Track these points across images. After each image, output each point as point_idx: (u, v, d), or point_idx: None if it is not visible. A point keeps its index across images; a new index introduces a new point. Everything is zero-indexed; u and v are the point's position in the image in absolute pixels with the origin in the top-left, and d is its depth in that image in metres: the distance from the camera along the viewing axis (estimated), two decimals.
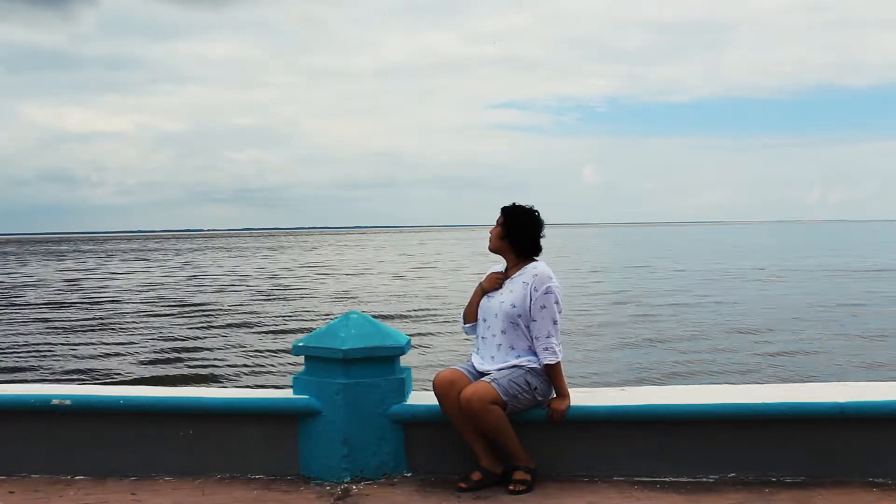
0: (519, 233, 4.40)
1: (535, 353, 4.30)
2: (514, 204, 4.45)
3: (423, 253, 67.89)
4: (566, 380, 4.34)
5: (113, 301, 27.86)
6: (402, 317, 21.36)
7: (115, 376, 13.85)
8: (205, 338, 18.26)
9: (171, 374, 14.00)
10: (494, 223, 4.48)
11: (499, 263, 4.55)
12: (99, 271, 48.44)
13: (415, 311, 22.89)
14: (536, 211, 4.45)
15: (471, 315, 4.54)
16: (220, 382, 13.14)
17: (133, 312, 23.93)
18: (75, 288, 34.77)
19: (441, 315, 21.53)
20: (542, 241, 4.46)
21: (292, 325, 20.29)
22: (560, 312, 4.33)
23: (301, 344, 4.47)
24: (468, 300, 4.55)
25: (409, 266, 47.43)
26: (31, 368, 14.76)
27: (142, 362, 15.16)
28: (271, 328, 19.72)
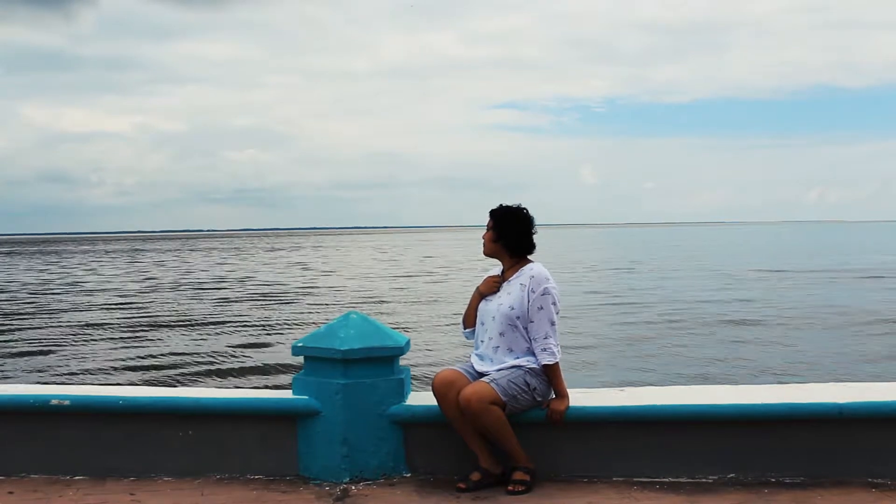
0: (510, 233, 4.40)
1: (533, 355, 4.30)
2: (501, 205, 4.45)
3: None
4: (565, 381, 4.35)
5: (107, 301, 27.86)
6: (401, 317, 21.38)
7: (114, 377, 13.84)
8: (204, 338, 18.26)
9: (170, 374, 13.98)
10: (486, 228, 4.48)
11: (496, 267, 4.56)
12: (96, 272, 48.43)
13: (413, 311, 22.91)
14: (524, 209, 4.45)
15: (470, 320, 4.54)
16: (220, 383, 13.13)
17: (132, 313, 23.93)
18: (74, 289, 34.75)
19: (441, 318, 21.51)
20: (536, 239, 4.47)
21: (291, 324, 20.30)
22: (557, 313, 4.33)
23: (300, 344, 4.47)
24: (467, 304, 4.56)
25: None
26: (31, 369, 14.75)
27: (140, 363, 15.15)
28: (270, 328, 19.72)
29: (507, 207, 4.44)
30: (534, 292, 4.29)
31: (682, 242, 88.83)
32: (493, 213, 4.46)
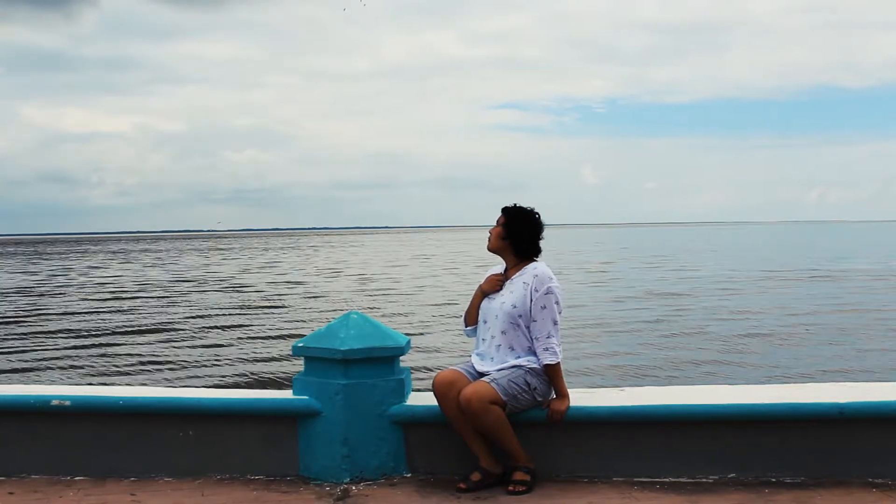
0: (519, 234, 4.40)
1: (534, 354, 4.30)
2: (515, 205, 4.46)
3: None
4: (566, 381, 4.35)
5: (111, 303, 27.87)
6: (401, 316, 21.38)
7: (115, 377, 13.84)
8: (202, 338, 18.26)
9: (169, 374, 13.99)
10: (495, 223, 4.49)
11: (499, 265, 4.56)
12: (95, 272, 48.46)
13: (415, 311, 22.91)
14: (537, 213, 4.47)
15: (472, 318, 4.54)
16: (220, 383, 13.13)
17: (130, 313, 23.93)
18: (74, 290, 34.77)
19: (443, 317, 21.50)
20: (542, 243, 4.48)
21: (290, 325, 20.30)
22: (560, 313, 4.33)
23: (301, 344, 4.47)
24: (469, 303, 4.56)
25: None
26: (31, 370, 14.75)
27: (141, 363, 15.15)
28: (269, 329, 19.71)
29: (521, 208, 4.45)
30: (537, 291, 4.29)
31: (713, 242, 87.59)
32: (505, 210, 4.47)
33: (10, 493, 4.21)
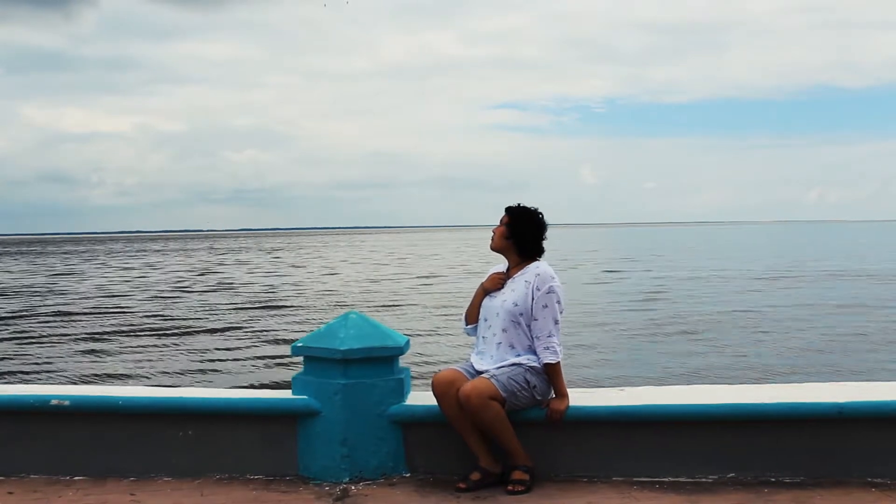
0: (523, 233, 4.41)
1: (535, 353, 4.30)
2: (519, 205, 4.47)
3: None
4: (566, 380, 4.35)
5: (111, 303, 27.86)
6: (399, 316, 21.38)
7: (114, 377, 13.84)
8: (201, 338, 18.25)
9: (169, 374, 13.99)
10: (497, 223, 4.49)
11: (500, 263, 4.57)
12: (94, 273, 48.44)
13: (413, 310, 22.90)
14: (541, 213, 4.48)
15: (472, 316, 4.54)
16: (219, 383, 13.13)
17: (129, 313, 23.93)
18: (72, 290, 34.75)
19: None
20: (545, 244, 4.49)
21: (289, 326, 20.30)
22: (561, 312, 4.33)
23: (300, 344, 4.47)
24: (470, 301, 4.56)
25: None
26: (30, 371, 14.75)
27: (140, 363, 15.15)
28: (268, 329, 19.72)
29: (525, 208, 4.46)
30: (539, 290, 4.30)
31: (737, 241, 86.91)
32: (509, 210, 4.47)
33: (10, 493, 4.21)
